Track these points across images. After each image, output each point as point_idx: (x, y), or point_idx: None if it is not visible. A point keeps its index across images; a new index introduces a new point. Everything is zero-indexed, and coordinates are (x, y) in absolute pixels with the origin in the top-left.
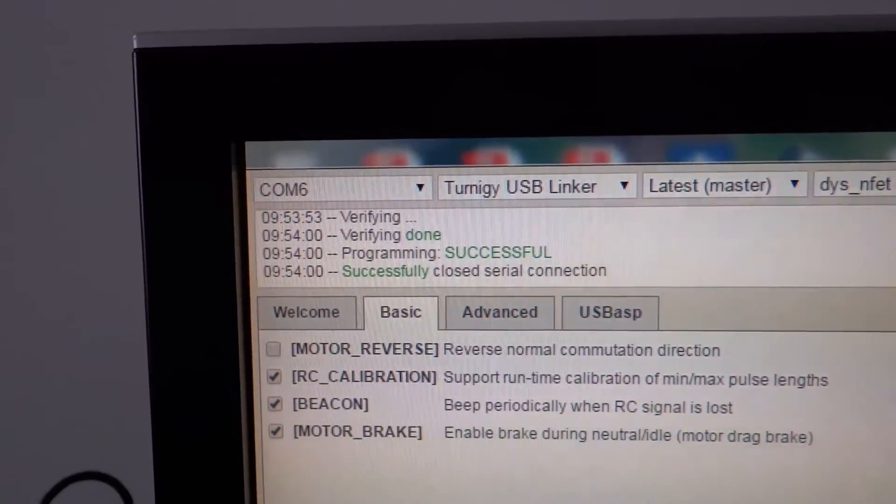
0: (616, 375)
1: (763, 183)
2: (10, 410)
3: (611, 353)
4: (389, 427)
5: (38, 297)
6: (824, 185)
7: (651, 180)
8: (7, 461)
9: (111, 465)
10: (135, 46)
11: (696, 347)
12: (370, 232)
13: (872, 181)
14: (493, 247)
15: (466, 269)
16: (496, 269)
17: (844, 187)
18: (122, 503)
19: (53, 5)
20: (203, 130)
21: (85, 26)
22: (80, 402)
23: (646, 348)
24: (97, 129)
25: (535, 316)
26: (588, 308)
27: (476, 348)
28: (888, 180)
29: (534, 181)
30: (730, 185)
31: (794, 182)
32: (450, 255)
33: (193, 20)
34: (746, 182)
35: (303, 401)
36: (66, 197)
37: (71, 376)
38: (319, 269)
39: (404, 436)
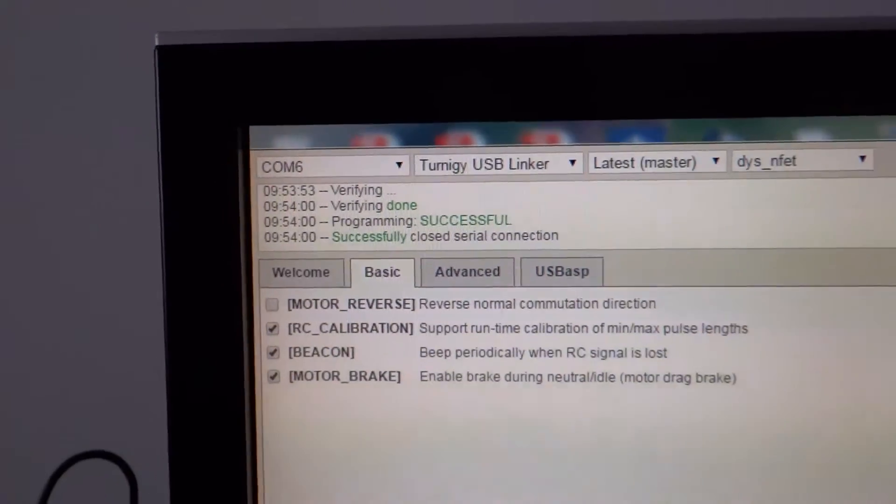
0: (567, 325)
1: (689, 160)
2: (20, 391)
3: (562, 307)
4: (372, 372)
5: (47, 276)
6: (741, 162)
7: (595, 158)
8: (18, 440)
9: (117, 446)
10: (156, 44)
11: (635, 301)
12: (356, 203)
13: (781, 158)
14: (461, 215)
15: (439, 235)
16: (464, 235)
17: (758, 164)
18: (125, 482)
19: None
20: (213, 117)
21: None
22: (89, 385)
23: (592, 302)
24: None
25: (498, 275)
26: (543, 267)
27: (447, 303)
28: (794, 157)
29: (496, 159)
30: (661, 161)
31: (716, 159)
32: (424, 222)
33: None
34: (675, 159)
35: (297, 349)
36: (88, 183)
37: (79, 357)
38: (312, 234)
39: (385, 380)
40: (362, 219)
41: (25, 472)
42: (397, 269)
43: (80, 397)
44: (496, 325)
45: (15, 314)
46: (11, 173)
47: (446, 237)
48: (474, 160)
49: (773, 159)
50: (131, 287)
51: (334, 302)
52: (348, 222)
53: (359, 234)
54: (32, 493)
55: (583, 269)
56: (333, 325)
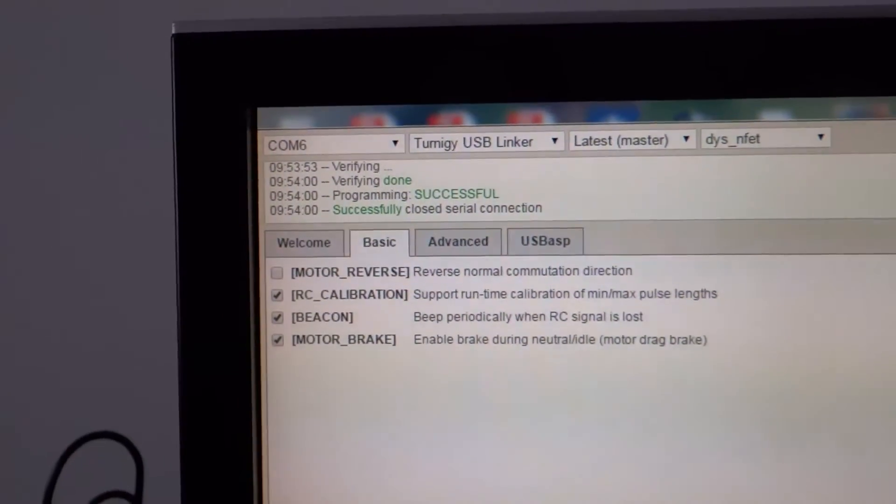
0: (550, 291)
1: (662, 138)
2: (31, 375)
3: (546, 274)
4: (370, 336)
5: (57, 257)
6: (709, 140)
7: (575, 136)
8: (29, 422)
9: (124, 427)
10: (173, 32)
11: (613, 268)
12: (355, 178)
13: (746, 136)
14: (452, 189)
15: (432, 208)
16: (455, 207)
17: (725, 141)
18: (132, 461)
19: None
20: (224, 99)
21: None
22: (97, 368)
23: (573, 269)
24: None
25: (486, 244)
26: (528, 237)
27: (439, 271)
28: (758, 136)
29: (484, 138)
30: (636, 139)
31: (686, 137)
32: (418, 196)
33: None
34: (649, 138)
35: (300, 315)
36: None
37: (88, 342)
38: (315, 208)
39: (381, 343)
40: (361, 193)
41: (36, 452)
42: (393, 240)
43: (89, 381)
44: (485, 292)
45: (23, 298)
46: (32, 159)
47: (439, 210)
48: (464, 138)
49: (738, 137)
50: (138, 271)
51: (335, 270)
52: (348, 196)
53: (358, 207)
54: (43, 472)
55: (565, 239)
56: (334, 291)
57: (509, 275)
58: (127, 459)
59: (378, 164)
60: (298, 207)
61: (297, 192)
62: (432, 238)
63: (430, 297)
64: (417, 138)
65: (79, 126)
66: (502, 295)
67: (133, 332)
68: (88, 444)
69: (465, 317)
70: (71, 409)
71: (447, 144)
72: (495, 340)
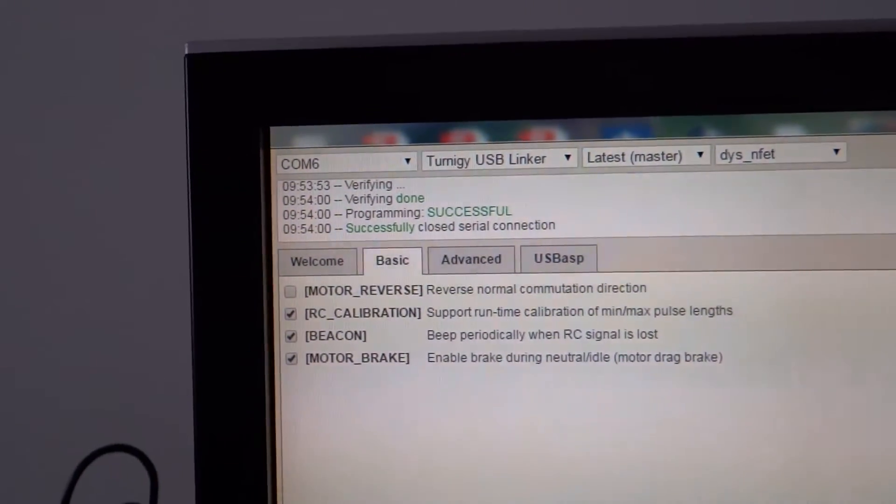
0: (564, 309)
1: (676, 154)
2: (47, 389)
3: (559, 291)
4: (383, 354)
5: (71, 276)
6: (723, 156)
7: (588, 153)
8: (45, 436)
9: (138, 441)
10: (186, 52)
11: (627, 285)
12: (368, 196)
13: (761, 152)
14: (465, 207)
15: (444, 225)
16: (468, 225)
17: (739, 157)
18: (146, 474)
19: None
20: (237, 118)
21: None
22: (112, 383)
23: (587, 286)
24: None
25: (499, 262)
26: (541, 255)
27: (452, 289)
28: (773, 151)
29: (497, 155)
30: (650, 156)
31: (700, 153)
32: (431, 214)
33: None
34: (662, 154)
35: (313, 333)
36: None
37: (104, 357)
38: (328, 226)
39: (395, 361)
40: (374, 211)
41: (51, 465)
42: (406, 258)
43: (104, 394)
44: (498, 309)
45: (38, 311)
46: (51, 172)
47: (451, 227)
48: (477, 156)
49: (753, 153)
50: (153, 288)
51: (348, 289)
52: (361, 214)
53: (370, 226)
54: (58, 485)
55: (578, 256)
56: (347, 310)
57: (523, 292)
58: (141, 473)
59: (391, 182)
60: (311, 226)
61: (310, 211)
62: (445, 256)
63: (444, 315)
64: (430, 156)
65: (90, 144)
66: (516, 313)
67: (148, 346)
68: (103, 457)
69: (478, 335)
70: (86, 423)
71: (460, 162)
72: (509, 359)
